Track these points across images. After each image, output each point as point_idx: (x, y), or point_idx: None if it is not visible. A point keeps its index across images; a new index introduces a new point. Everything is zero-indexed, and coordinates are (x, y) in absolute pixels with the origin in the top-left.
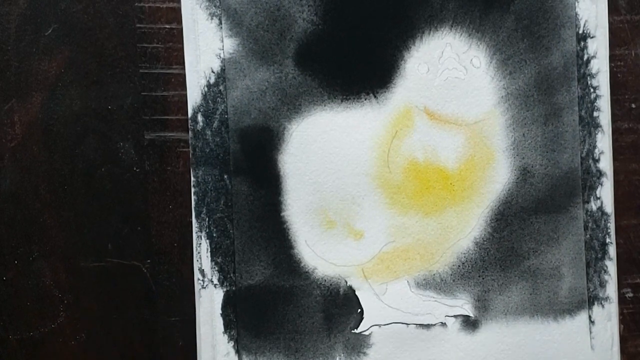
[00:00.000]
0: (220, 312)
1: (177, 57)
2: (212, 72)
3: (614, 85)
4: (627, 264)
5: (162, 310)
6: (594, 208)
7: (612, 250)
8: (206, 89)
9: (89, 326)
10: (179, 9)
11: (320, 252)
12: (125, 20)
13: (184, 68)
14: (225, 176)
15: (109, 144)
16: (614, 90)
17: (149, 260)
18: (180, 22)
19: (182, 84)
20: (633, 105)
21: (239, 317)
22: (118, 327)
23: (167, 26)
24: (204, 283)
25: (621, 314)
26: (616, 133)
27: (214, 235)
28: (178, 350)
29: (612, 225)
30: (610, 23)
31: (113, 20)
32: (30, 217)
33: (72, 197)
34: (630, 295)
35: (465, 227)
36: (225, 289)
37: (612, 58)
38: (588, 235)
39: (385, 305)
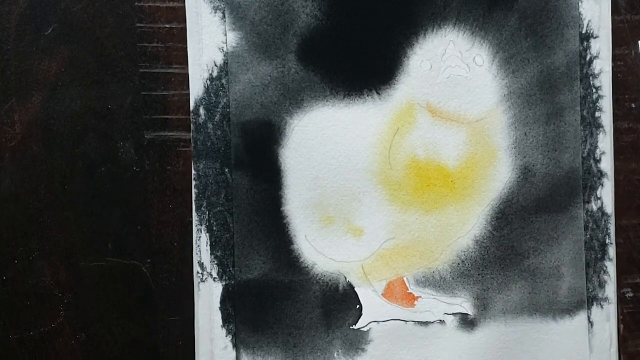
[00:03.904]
0: (219, 306)
1: (177, 57)
2: (215, 65)
3: (614, 85)
4: (627, 264)
5: (162, 310)
6: (595, 209)
7: (612, 251)
8: (209, 82)
9: (89, 326)
10: (179, 9)
11: (320, 247)
12: (125, 20)
13: (184, 68)
14: (226, 170)
15: (109, 143)
16: (614, 90)
17: (149, 260)
18: (180, 21)
19: (183, 84)
20: (633, 105)
21: (238, 312)
22: (118, 327)
23: (167, 26)
24: (203, 277)
25: (621, 314)
26: (616, 133)
27: (214, 229)
28: (178, 350)
29: (612, 226)
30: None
31: (113, 20)
32: (30, 217)
33: (72, 197)
34: (630, 295)
35: (466, 225)
36: (224, 283)
37: (613, 58)
38: (588, 236)
39: (384, 302)
